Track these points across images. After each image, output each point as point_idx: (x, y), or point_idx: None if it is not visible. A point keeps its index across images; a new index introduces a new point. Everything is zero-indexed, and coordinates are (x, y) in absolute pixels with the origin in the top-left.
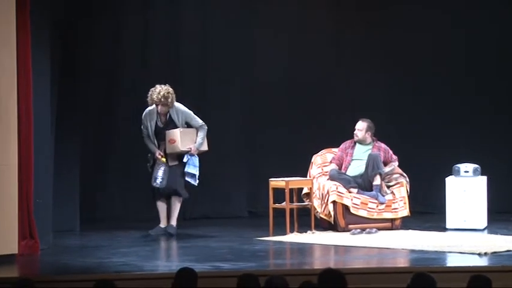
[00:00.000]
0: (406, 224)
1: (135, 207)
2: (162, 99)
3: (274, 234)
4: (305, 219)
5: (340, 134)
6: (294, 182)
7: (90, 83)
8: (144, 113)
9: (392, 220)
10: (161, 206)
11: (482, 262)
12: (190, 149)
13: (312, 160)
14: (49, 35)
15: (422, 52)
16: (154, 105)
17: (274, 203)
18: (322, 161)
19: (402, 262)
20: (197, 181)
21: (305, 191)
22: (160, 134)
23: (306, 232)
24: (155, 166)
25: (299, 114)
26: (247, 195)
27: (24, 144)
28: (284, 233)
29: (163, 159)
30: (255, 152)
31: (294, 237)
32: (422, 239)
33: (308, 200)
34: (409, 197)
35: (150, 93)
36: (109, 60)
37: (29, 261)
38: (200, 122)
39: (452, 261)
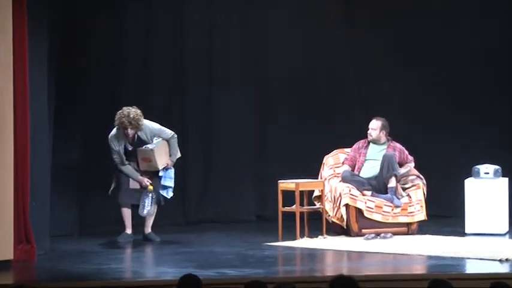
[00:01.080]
0: (422, 228)
1: (135, 211)
2: (133, 122)
3: (284, 239)
4: (316, 224)
5: (353, 134)
6: (305, 184)
7: (91, 79)
8: (110, 139)
9: (408, 224)
10: (127, 212)
11: (503, 269)
12: (168, 164)
13: (324, 161)
14: (47, 29)
15: (441, 48)
16: (119, 128)
17: (283, 206)
18: (334, 161)
19: (419, 269)
20: (172, 194)
21: (316, 193)
22: (129, 155)
23: (317, 237)
24: (142, 194)
25: (310, 113)
26: (255, 197)
27: (20, 142)
28: (294, 238)
29: (151, 188)
30: (263, 152)
31: (304, 243)
32: (440, 245)
33: (319, 203)
34: (426, 200)
35: (118, 116)
36: (111, 54)
37: (25, 267)
38: (169, 133)
39: (472, 267)
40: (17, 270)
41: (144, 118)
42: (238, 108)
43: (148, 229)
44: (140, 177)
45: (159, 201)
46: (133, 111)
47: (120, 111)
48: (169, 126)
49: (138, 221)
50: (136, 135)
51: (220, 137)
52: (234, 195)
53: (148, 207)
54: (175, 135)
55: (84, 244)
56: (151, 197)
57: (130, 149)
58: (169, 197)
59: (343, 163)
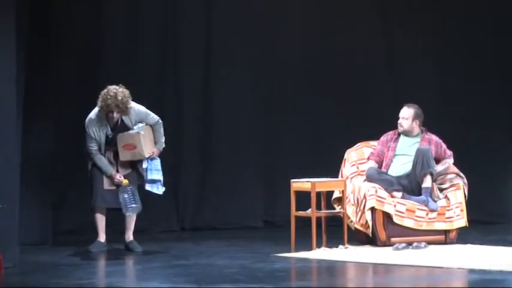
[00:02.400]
0: (463, 236)
1: (118, 215)
2: (121, 106)
3: (297, 250)
4: (336, 231)
5: (381, 124)
6: (322, 183)
7: (67, 59)
8: (88, 123)
9: (446, 232)
10: (100, 218)
11: None
12: (153, 153)
13: (345, 156)
14: None
15: (483, 35)
16: (101, 111)
17: (296, 210)
18: (358, 157)
19: (459, 284)
20: (163, 188)
21: (336, 195)
22: (108, 141)
23: (336, 247)
24: (120, 193)
25: (328, 101)
26: (263, 200)
27: None
28: (309, 248)
29: (126, 181)
30: (272, 146)
31: (321, 254)
32: (484, 256)
33: (340, 207)
34: (467, 203)
35: (103, 96)
36: (91, 26)
37: None
38: (155, 117)
39: None
40: None
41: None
42: (241, 97)
43: (130, 236)
44: (113, 172)
45: (139, 201)
46: (121, 91)
47: (105, 90)
48: (161, 118)
49: (115, 228)
50: (120, 120)
51: (220, 130)
52: (238, 197)
53: (132, 204)
54: (161, 121)
55: (59, 255)
56: (132, 190)
57: (110, 135)
58: (161, 193)
59: (368, 159)
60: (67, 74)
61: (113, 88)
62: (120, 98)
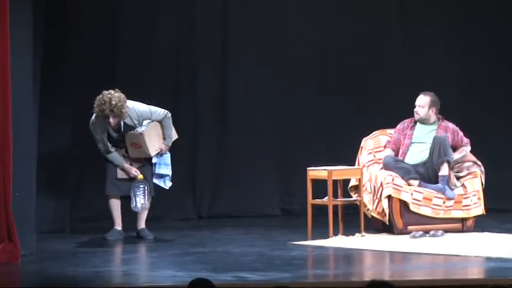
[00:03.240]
0: (480, 224)
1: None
2: (115, 110)
3: (314, 238)
4: (352, 219)
5: (398, 112)
6: (339, 171)
7: (85, 51)
8: (91, 127)
9: (463, 220)
10: (115, 207)
11: None
12: (161, 149)
13: (362, 144)
14: None
15: (506, 19)
16: (97, 117)
17: (313, 198)
18: (375, 145)
19: (476, 273)
20: (170, 183)
21: (353, 183)
22: (116, 141)
23: (353, 235)
24: (132, 187)
25: (344, 87)
26: (279, 188)
27: (0, 123)
28: (326, 236)
29: (140, 176)
30: (289, 134)
31: (338, 241)
32: (501, 244)
33: (356, 195)
34: (484, 190)
35: (97, 102)
36: (110, 23)
37: (7, 271)
38: (162, 113)
39: None
40: None
41: (140, 100)
42: (257, 86)
43: (141, 224)
44: (127, 165)
45: (152, 192)
46: (116, 96)
47: (99, 96)
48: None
49: (130, 216)
50: (122, 122)
51: (236, 117)
52: (254, 185)
53: (141, 201)
54: (169, 114)
55: (77, 242)
56: (144, 188)
57: (115, 136)
58: (167, 187)
59: (385, 147)
60: (85, 65)
61: (107, 93)
62: (114, 102)
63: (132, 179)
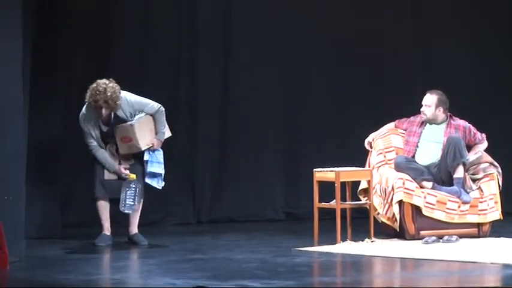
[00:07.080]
0: (497, 230)
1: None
2: (110, 102)
3: (320, 243)
4: (362, 224)
5: (409, 112)
6: (347, 173)
7: (77, 50)
8: (81, 120)
9: (479, 225)
10: (104, 206)
11: None
12: (153, 144)
13: (370, 140)
14: None
15: None
16: (89, 106)
17: (320, 201)
18: (385, 145)
19: (492, 280)
20: (163, 183)
21: (362, 185)
22: (105, 136)
23: (362, 240)
24: (122, 187)
25: (352, 86)
26: (284, 191)
27: None
28: (333, 242)
29: (133, 176)
30: (294, 134)
31: (346, 247)
32: None
33: (366, 198)
34: (501, 194)
35: (91, 92)
36: (105, 10)
37: None
38: (155, 106)
39: None
40: None
41: (134, 91)
42: (261, 85)
43: (134, 229)
44: (117, 167)
45: (142, 194)
46: (111, 86)
47: (93, 85)
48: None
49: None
50: (112, 114)
51: (239, 117)
52: (257, 188)
53: (130, 202)
54: (163, 109)
55: (68, 248)
56: (135, 189)
57: (104, 130)
58: (160, 188)
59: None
60: (76, 65)
61: (102, 83)
62: (109, 93)
63: (121, 179)
